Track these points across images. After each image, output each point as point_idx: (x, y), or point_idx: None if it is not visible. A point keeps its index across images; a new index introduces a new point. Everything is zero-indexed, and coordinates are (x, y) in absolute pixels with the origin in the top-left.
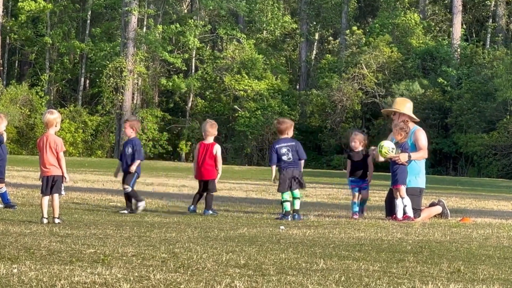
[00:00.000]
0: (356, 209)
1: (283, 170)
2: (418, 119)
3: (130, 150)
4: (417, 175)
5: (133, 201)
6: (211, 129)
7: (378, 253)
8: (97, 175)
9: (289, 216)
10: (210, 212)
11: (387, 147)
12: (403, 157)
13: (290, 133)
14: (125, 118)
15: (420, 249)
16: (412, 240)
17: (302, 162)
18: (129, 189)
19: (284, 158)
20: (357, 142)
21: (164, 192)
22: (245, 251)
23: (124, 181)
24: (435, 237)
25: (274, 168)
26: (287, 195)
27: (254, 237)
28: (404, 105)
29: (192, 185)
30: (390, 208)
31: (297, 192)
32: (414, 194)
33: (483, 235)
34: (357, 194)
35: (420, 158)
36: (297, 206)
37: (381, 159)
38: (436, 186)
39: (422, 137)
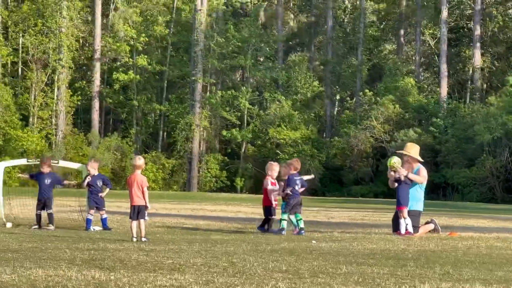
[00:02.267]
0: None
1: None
2: (422, 160)
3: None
4: (418, 201)
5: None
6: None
7: (387, 260)
8: (173, 204)
9: (285, 231)
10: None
11: (397, 160)
12: (403, 171)
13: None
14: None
15: (418, 256)
16: (413, 250)
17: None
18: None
19: (296, 187)
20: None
21: (223, 216)
22: (286, 260)
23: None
24: (430, 247)
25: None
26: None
27: (293, 249)
28: (412, 149)
29: (245, 211)
30: (395, 226)
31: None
32: (415, 215)
33: (467, 245)
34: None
35: (415, 179)
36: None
37: (391, 179)
38: (430, 208)
39: (423, 171)
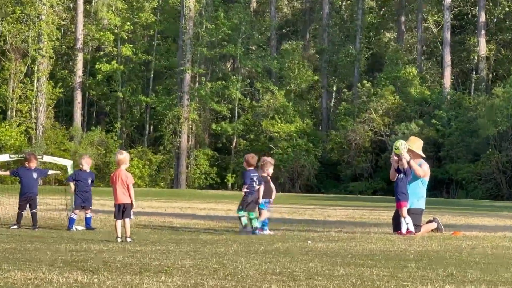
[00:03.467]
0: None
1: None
2: (424, 156)
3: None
4: (419, 198)
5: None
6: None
7: (387, 261)
8: (160, 202)
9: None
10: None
11: (403, 142)
12: (406, 155)
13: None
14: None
15: (420, 257)
16: (414, 250)
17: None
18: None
19: (254, 184)
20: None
21: (213, 214)
22: (280, 261)
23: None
24: (432, 247)
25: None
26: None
27: (287, 250)
28: (414, 143)
29: (236, 209)
30: (396, 225)
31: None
32: (416, 213)
33: (471, 245)
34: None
35: (416, 169)
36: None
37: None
38: (432, 206)
39: (424, 166)
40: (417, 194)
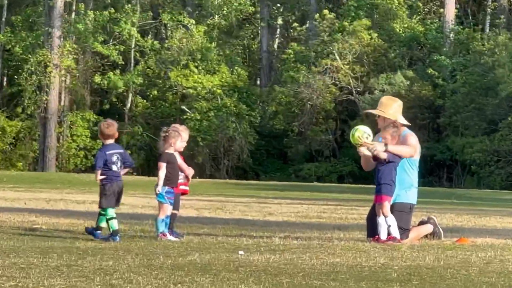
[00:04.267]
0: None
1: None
2: (408, 123)
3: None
4: (408, 188)
5: None
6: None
7: (357, 282)
8: (18, 192)
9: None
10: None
11: (362, 131)
12: (379, 146)
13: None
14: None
15: (408, 276)
16: (399, 266)
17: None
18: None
19: (114, 167)
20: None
21: (97, 210)
22: (196, 282)
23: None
24: (426, 262)
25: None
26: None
27: (207, 265)
28: (390, 107)
29: (132, 202)
30: (372, 228)
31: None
32: (403, 211)
33: (484, 258)
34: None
35: (400, 152)
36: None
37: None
38: (427, 200)
39: (411, 139)
40: (404, 182)
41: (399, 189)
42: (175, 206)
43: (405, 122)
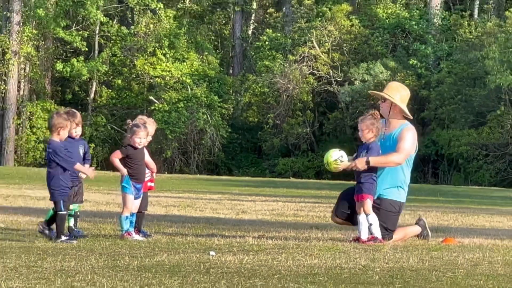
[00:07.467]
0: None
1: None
2: (410, 116)
3: None
4: (400, 186)
5: None
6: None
7: (336, 285)
8: None
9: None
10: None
11: (335, 158)
12: (360, 163)
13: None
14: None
15: (390, 279)
16: (380, 268)
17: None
18: None
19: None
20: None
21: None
22: (164, 284)
23: None
24: (409, 264)
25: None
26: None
27: (176, 266)
28: (398, 93)
29: (95, 198)
30: (341, 207)
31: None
32: (391, 211)
33: (472, 260)
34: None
35: (388, 163)
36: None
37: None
38: (411, 197)
39: (408, 137)
40: (397, 179)
41: (390, 185)
42: (143, 204)
43: (408, 114)
